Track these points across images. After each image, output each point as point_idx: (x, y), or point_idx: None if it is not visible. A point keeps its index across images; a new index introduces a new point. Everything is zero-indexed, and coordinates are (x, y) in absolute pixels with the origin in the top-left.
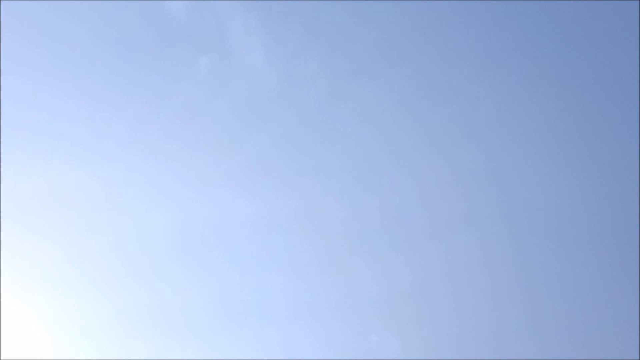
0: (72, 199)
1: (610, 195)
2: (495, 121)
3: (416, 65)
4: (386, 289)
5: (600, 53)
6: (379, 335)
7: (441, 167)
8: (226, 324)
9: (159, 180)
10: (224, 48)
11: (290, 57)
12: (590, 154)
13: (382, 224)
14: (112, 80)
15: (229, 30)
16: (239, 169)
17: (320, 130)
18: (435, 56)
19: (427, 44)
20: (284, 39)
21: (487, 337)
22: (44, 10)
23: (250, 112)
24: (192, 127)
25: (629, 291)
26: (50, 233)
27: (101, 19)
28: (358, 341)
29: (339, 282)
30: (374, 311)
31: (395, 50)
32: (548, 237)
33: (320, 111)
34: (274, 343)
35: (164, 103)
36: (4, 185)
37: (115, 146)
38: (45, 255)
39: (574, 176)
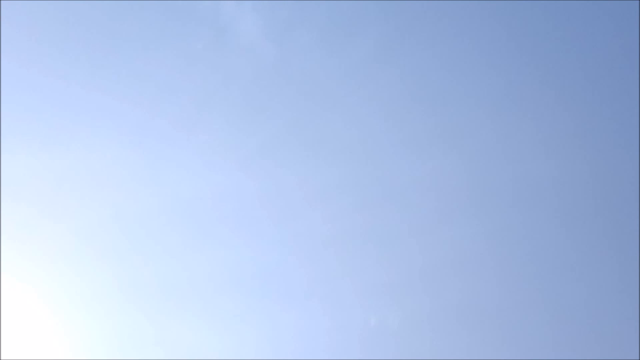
0: (79, 178)
1: (624, 181)
2: (503, 100)
3: (424, 39)
4: (393, 271)
5: (602, 34)
6: (378, 315)
7: (451, 145)
8: (227, 296)
9: (163, 160)
10: (217, 27)
11: (286, 31)
12: (596, 140)
13: (388, 205)
14: (108, 66)
15: (222, 8)
16: (245, 147)
17: (325, 107)
18: (441, 30)
19: (431, 16)
20: (278, 15)
21: (490, 324)
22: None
23: (251, 90)
24: (194, 108)
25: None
26: (54, 209)
27: (94, 6)
28: (358, 319)
29: (345, 263)
30: (376, 292)
31: (399, 21)
32: (553, 223)
33: (322, 86)
34: (275, 318)
35: (167, 88)
36: (6, 162)
37: (114, 130)
38: (47, 229)
39: (582, 159)
